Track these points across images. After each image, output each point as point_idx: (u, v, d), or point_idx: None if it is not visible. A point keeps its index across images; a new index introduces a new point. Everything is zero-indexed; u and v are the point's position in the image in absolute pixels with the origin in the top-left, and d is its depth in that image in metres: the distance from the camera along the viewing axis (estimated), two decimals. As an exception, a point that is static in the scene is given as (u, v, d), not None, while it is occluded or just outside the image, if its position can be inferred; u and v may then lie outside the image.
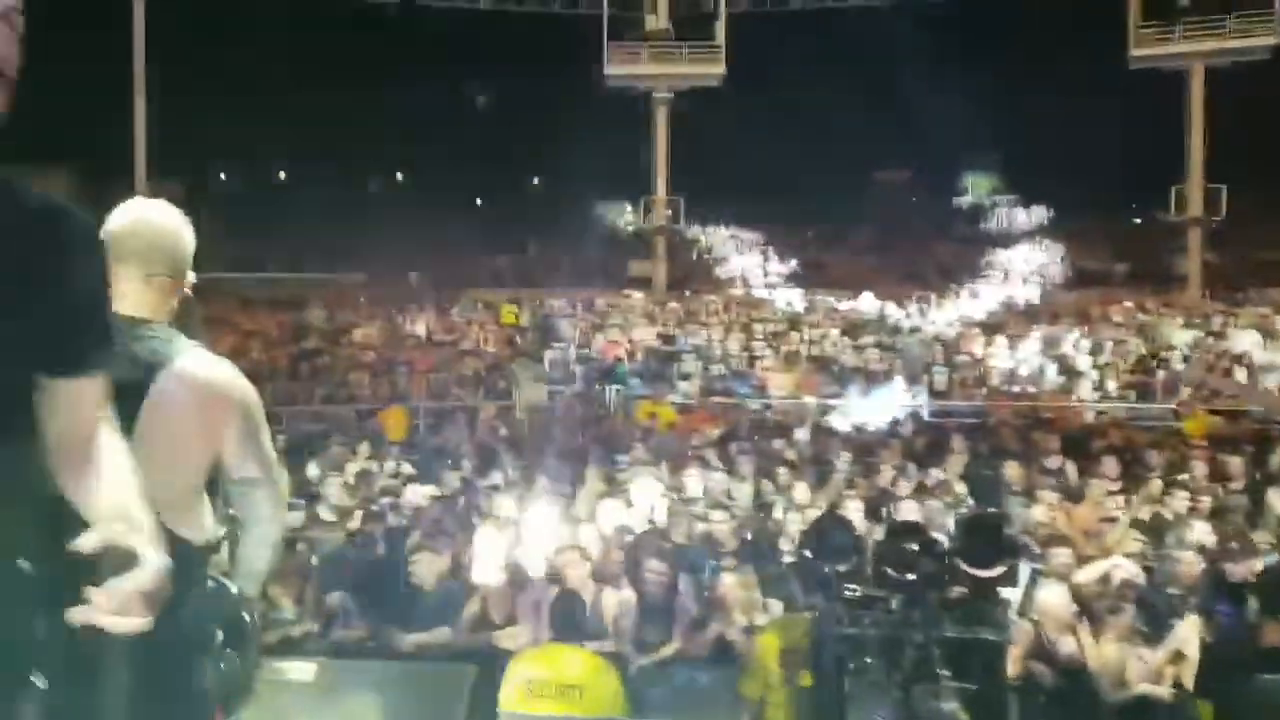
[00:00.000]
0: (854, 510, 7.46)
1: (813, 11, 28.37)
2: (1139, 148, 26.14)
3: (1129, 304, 22.01)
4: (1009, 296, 24.34)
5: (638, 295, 25.11)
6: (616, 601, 6.22)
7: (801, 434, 12.02)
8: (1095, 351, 17.65)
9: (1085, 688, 5.46)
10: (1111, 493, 8.79)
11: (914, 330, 20.33)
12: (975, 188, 35.12)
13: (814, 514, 7.18)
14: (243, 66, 27.69)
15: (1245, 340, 17.57)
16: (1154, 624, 5.77)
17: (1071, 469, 9.90)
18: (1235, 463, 9.48)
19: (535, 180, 38.35)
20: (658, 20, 26.83)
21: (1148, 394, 15.62)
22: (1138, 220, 30.84)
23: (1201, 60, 23.90)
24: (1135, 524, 7.48)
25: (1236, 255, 26.29)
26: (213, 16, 26.06)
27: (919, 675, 5.15)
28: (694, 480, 9.13)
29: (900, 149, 31.98)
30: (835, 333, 19.86)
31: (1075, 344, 18.12)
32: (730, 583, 6.43)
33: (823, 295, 25.23)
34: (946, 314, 22.03)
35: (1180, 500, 8.10)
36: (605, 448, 11.10)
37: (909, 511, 7.49)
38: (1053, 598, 5.86)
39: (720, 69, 26.34)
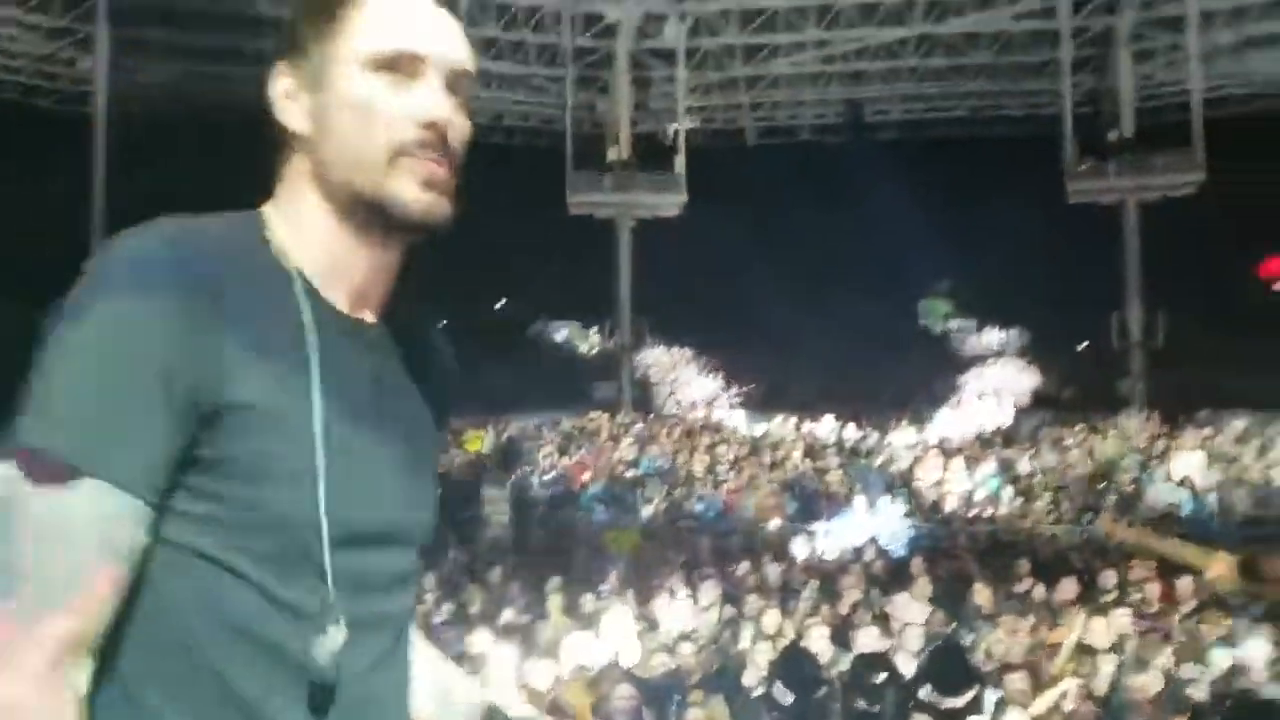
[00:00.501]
0: (819, 639, 7.62)
1: (774, 146, 29.65)
2: (1082, 277, 27.34)
3: (1078, 427, 22.60)
4: (965, 420, 24.87)
5: (602, 417, 25.39)
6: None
7: (767, 560, 12.18)
8: (1047, 474, 18.11)
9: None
10: (1069, 614, 9.00)
11: (870, 453, 20.73)
12: (931, 313, 36.00)
13: (782, 643, 7.33)
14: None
15: (1188, 462, 18.16)
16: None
17: (1040, 591, 10.10)
18: (1185, 584, 9.73)
19: (501, 302, 38.85)
20: (620, 151, 27.80)
21: (1097, 516, 16.00)
22: (1084, 345, 31.76)
23: (1134, 195, 25.15)
24: (1082, 648, 7.61)
25: (1176, 379, 27.11)
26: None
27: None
28: (661, 609, 9.23)
29: (858, 273, 32.86)
30: (797, 455, 20.19)
31: (1029, 467, 18.59)
32: (698, 716, 6.52)
33: (783, 417, 25.63)
34: (904, 437, 22.47)
35: (1126, 621, 8.29)
36: (570, 575, 11.19)
37: (872, 640, 7.65)
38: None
39: (681, 197, 27.22)
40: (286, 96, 1.18)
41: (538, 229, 28.89)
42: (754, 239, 31.80)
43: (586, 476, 18.47)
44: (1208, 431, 21.17)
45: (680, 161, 27.30)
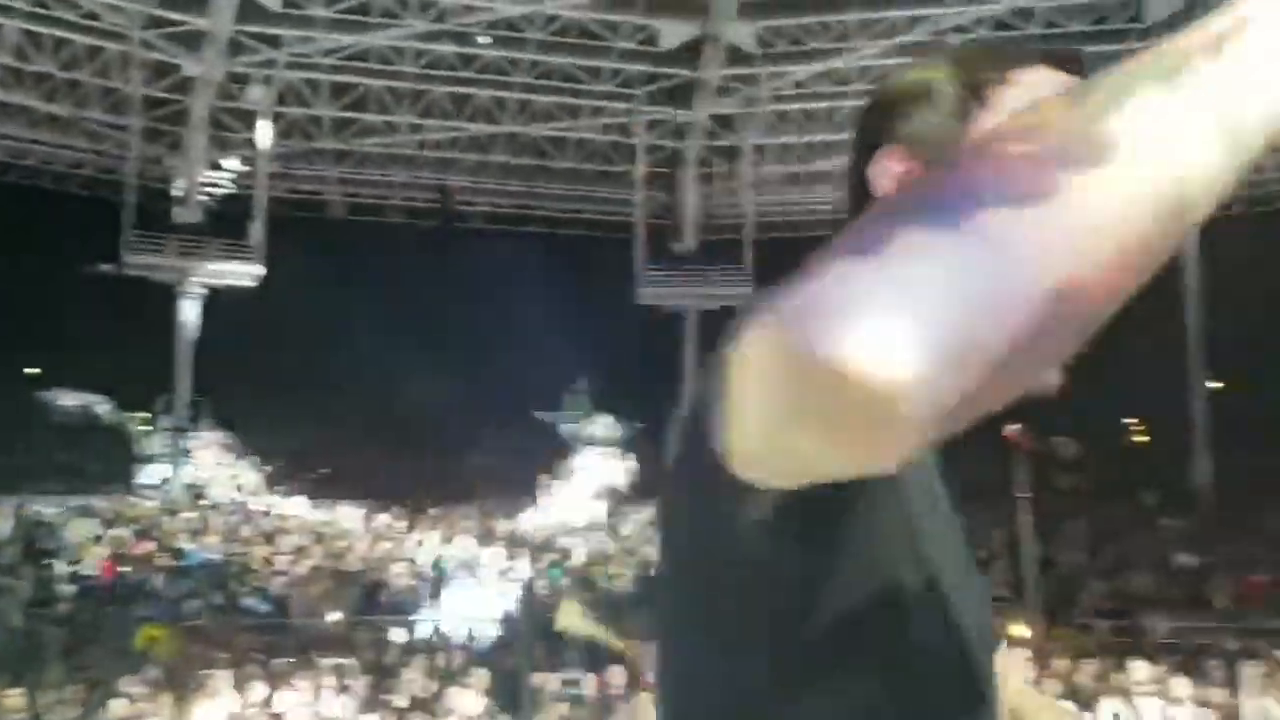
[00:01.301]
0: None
1: (361, 223, 29.02)
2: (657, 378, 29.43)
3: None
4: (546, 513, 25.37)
5: (145, 504, 23.11)
6: None
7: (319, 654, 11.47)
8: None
9: None
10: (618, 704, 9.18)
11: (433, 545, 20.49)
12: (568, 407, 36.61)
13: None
14: None
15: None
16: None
17: (591, 681, 10.25)
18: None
19: (35, 370, 34.44)
20: (190, 214, 25.98)
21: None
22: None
23: (695, 302, 27.32)
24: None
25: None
26: None
27: None
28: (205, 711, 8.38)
29: (440, 358, 32.78)
30: (363, 546, 19.48)
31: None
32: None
33: (352, 506, 24.85)
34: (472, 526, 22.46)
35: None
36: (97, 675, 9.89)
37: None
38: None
39: (256, 268, 25.83)
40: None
41: (89, 290, 26.14)
42: (334, 317, 30.95)
43: (124, 568, 16.58)
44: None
45: (258, 229, 25.95)
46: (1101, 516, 21.42)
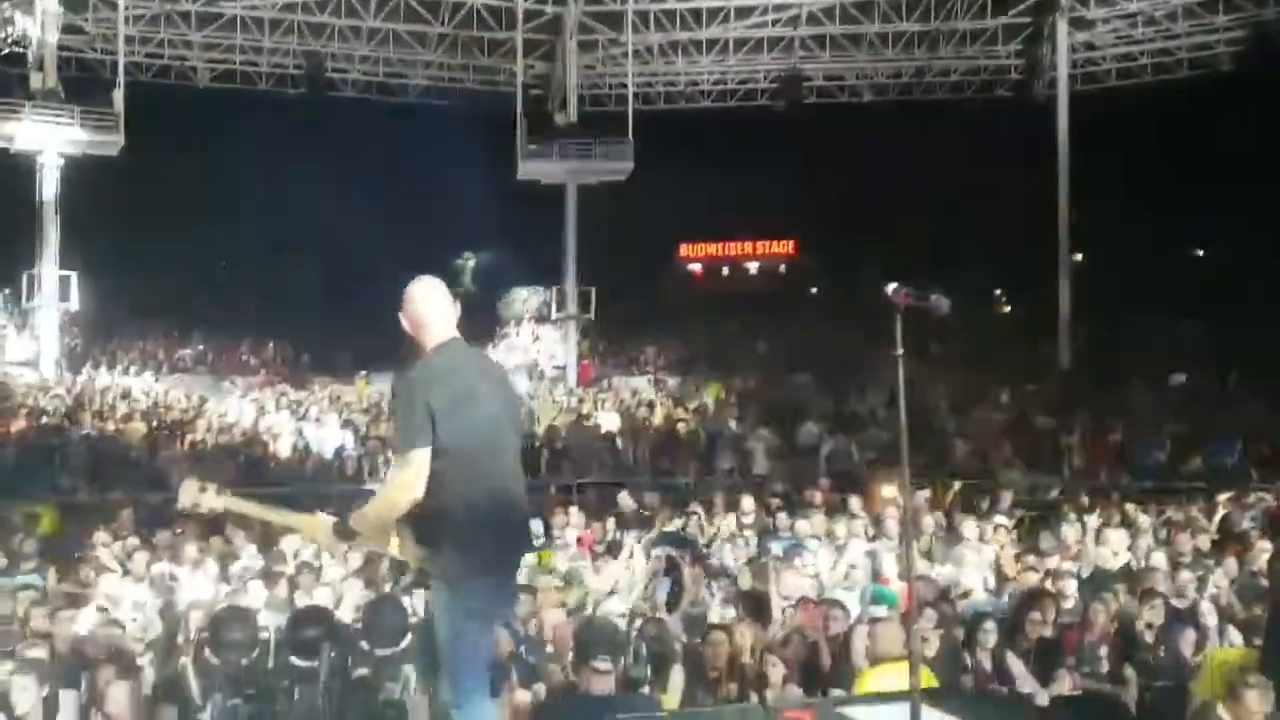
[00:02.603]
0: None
1: (226, 91, 27.73)
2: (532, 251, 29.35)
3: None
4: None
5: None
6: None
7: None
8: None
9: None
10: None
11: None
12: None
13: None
14: None
15: (608, 420, 20.36)
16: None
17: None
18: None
19: None
20: (44, 78, 24.46)
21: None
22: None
23: (577, 177, 26.98)
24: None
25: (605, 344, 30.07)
26: None
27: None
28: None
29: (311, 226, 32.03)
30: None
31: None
32: (118, 695, 5.94)
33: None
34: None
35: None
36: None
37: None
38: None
39: (116, 137, 24.58)
40: None
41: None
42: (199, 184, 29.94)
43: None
44: (625, 395, 23.94)
45: (119, 97, 24.60)
46: (970, 380, 22.47)
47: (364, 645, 5.77)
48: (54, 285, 24.79)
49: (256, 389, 24.58)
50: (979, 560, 9.21)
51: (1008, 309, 36.45)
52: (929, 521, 10.66)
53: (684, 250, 41.78)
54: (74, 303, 25.40)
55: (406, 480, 3.57)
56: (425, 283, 3.84)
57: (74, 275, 25.16)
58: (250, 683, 5.52)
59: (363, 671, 5.69)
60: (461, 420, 3.59)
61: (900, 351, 3.61)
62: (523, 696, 5.73)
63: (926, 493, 13.06)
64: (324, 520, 3.91)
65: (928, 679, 4.82)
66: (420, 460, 3.53)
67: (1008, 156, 27.14)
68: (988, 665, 6.50)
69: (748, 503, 11.71)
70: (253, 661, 5.71)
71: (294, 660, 5.46)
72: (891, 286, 3.53)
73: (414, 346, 3.81)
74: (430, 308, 3.79)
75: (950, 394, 21.02)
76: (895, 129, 28.51)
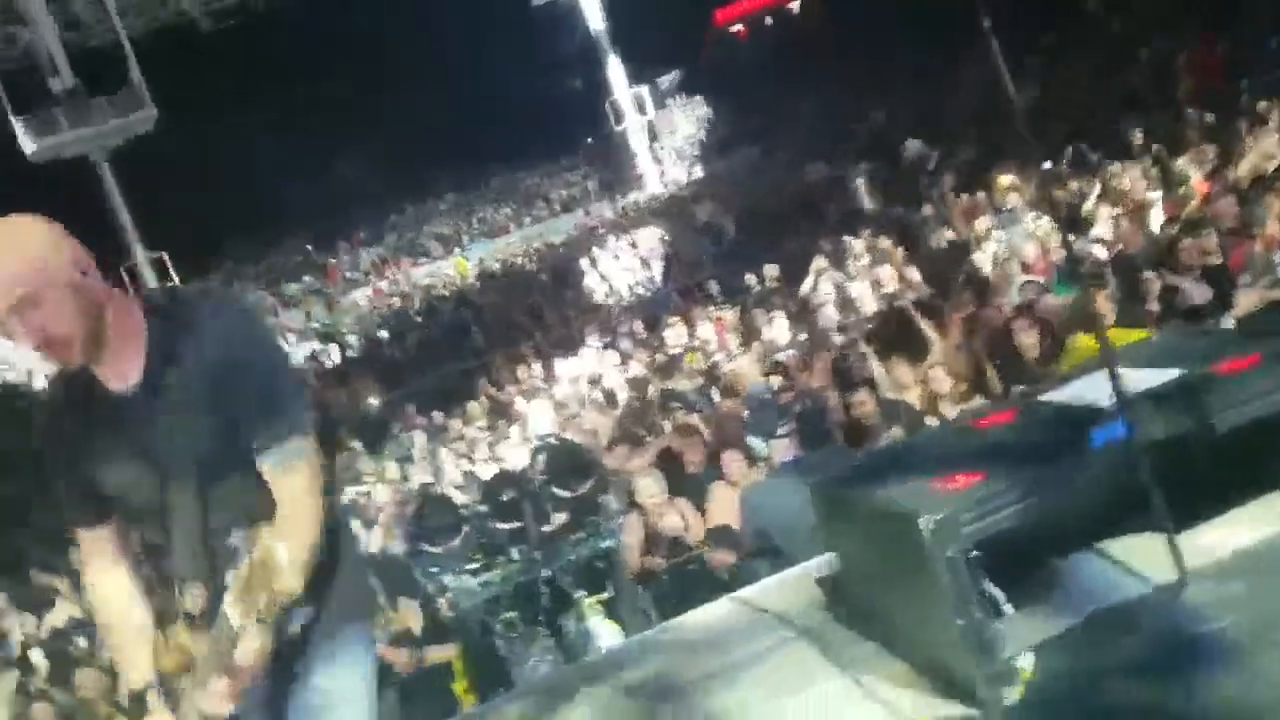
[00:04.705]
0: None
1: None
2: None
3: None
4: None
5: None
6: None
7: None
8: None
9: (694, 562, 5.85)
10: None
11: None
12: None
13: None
14: None
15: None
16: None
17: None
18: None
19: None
20: (63, 80, 24.41)
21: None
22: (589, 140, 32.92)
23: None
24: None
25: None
26: None
27: (559, 607, 5.40)
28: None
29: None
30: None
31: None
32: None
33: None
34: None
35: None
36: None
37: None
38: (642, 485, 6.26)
39: (149, 111, 24.54)
40: None
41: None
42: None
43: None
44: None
45: (134, 71, 24.41)
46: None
47: (557, 492, 5.89)
48: (150, 272, 25.43)
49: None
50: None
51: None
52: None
53: (720, 16, 39.86)
54: (176, 281, 26.00)
55: None
56: None
57: (164, 255, 25.73)
58: (468, 556, 5.70)
59: (561, 518, 5.80)
60: None
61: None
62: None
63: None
64: None
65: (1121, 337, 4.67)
66: None
67: None
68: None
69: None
70: (464, 538, 5.89)
71: (499, 526, 5.62)
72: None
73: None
74: None
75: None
76: None
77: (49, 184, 24.73)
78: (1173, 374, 3.34)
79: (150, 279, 25.29)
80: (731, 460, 5.93)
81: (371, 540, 7.27)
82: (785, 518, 4.72)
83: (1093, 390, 3.35)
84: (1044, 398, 3.73)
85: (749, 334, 9.93)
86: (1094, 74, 18.90)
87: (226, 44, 27.63)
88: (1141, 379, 3.31)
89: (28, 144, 23.75)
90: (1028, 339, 6.12)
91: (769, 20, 40.22)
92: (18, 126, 23.74)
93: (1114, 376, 3.18)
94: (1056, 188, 11.05)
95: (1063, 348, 5.90)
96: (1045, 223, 9.29)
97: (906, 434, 5.81)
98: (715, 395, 7.99)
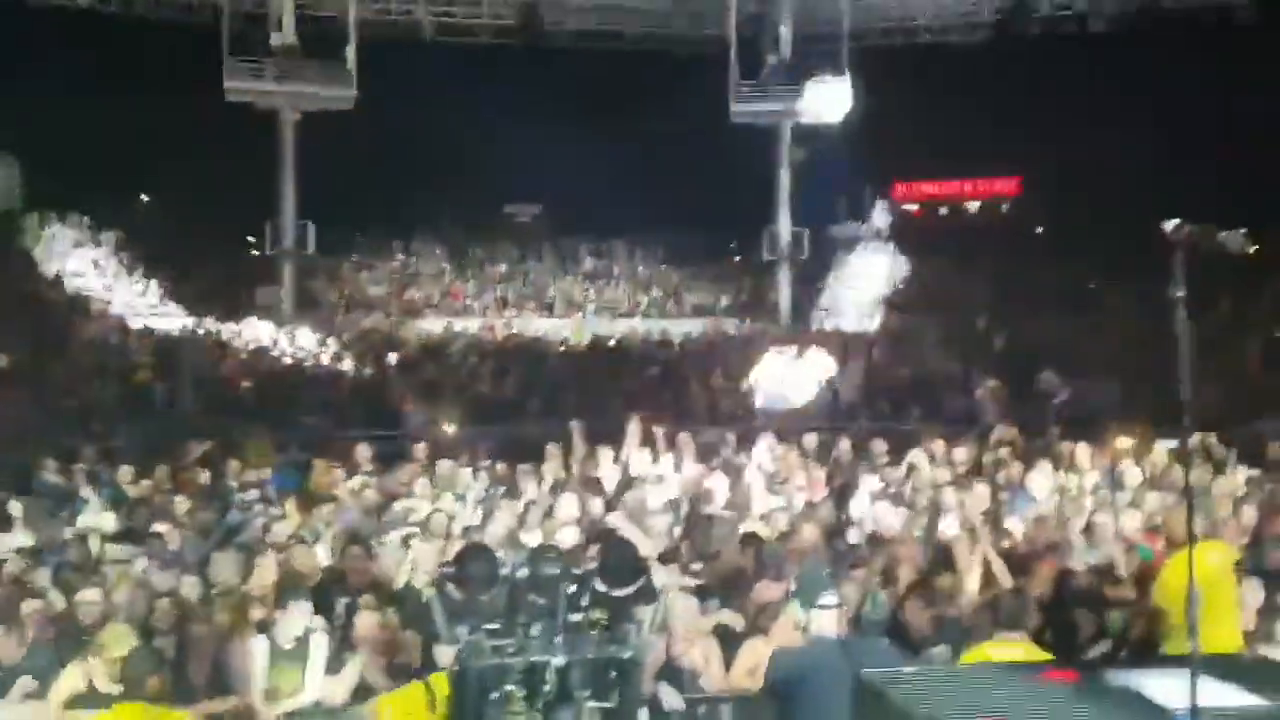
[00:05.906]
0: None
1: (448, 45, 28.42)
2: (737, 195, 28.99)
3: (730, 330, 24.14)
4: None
5: (264, 323, 23.95)
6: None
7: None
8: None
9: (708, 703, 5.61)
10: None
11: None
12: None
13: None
14: None
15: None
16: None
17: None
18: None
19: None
20: (284, 37, 25.83)
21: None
22: (737, 259, 33.40)
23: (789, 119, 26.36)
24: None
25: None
26: None
27: (560, 699, 5.26)
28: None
29: (529, 184, 32.74)
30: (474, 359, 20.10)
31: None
32: (369, 622, 6.25)
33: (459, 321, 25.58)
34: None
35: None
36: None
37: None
38: (679, 608, 6.14)
39: (351, 91, 25.75)
40: None
41: (188, 117, 26.27)
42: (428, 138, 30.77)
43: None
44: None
45: (351, 51, 25.72)
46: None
47: (599, 585, 5.81)
48: (292, 234, 26.36)
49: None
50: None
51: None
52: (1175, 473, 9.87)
53: (899, 190, 40.37)
54: (310, 249, 26.93)
55: None
56: None
57: (310, 225, 26.65)
58: (491, 616, 5.64)
59: (598, 614, 5.70)
60: None
61: (1182, 293, 3.27)
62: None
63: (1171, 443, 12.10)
64: None
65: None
66: None
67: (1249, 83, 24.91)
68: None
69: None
70: (493, 597, 5.84)
71: (531, 597, 5.54)
72: (1172, 223, 3.21)
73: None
74: None
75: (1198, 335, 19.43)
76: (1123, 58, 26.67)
77: (237, 126, 26.14)
78: (1254, 702, 3.19)
79: (287, 240, 26.25)
80: (784, 623, 5.67)
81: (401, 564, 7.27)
82: (817, 695, 4.57)
83: (1165, 689, 3.22)
84: (1112, 674, 3.62)
85: (840, 499, 9.66)
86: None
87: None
88: (1220, 694, 3.17)
89: (230, 82, 25.07)
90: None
91: (944, 210, 40.63)
92: (226, 65, 25.09)
93: (1193, 686, 3.04)
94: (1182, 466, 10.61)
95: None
96: (1155, 498, 8.96)
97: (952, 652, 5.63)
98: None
